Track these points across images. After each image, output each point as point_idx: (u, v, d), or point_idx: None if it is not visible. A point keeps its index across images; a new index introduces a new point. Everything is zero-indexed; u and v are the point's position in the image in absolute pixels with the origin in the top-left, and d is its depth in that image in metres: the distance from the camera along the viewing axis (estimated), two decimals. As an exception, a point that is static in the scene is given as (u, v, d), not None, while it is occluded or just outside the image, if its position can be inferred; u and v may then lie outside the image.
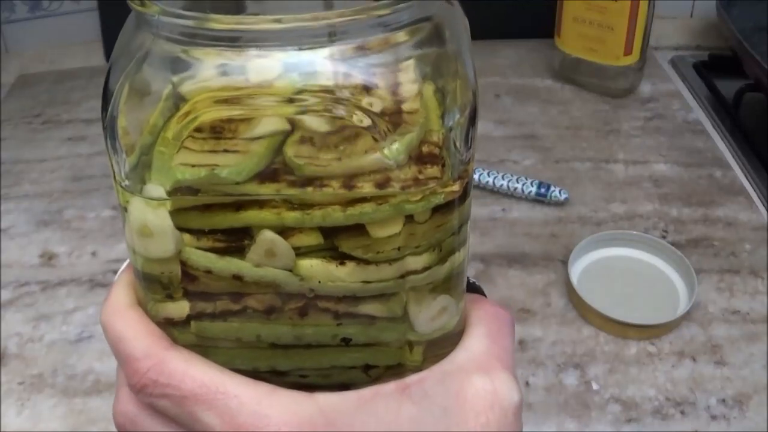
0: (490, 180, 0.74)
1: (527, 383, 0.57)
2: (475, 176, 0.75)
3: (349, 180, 0.22)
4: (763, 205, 0.74)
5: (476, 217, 0.72)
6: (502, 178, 0.74)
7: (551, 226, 0.71)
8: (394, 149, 0.21)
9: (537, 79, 0.94)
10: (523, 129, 0.85)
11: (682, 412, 0.54)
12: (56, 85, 0.95)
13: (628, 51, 0.86)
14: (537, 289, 0.64)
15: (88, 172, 0.80)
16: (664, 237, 0.69)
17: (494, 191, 0.75)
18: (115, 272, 0.68)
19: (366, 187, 0.22)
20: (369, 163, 0.21)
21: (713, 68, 0.95)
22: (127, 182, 0.23)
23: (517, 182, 0.74)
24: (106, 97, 0.23)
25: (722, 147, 0.82)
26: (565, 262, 0.65)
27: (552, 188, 0.73)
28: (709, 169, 0.78)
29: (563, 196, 0.73)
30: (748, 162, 0.79)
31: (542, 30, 0.95)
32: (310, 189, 0.22)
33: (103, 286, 0.65)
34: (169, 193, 0.22)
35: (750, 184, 0.77)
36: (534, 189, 0.73)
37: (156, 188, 0.22)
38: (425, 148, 0.22)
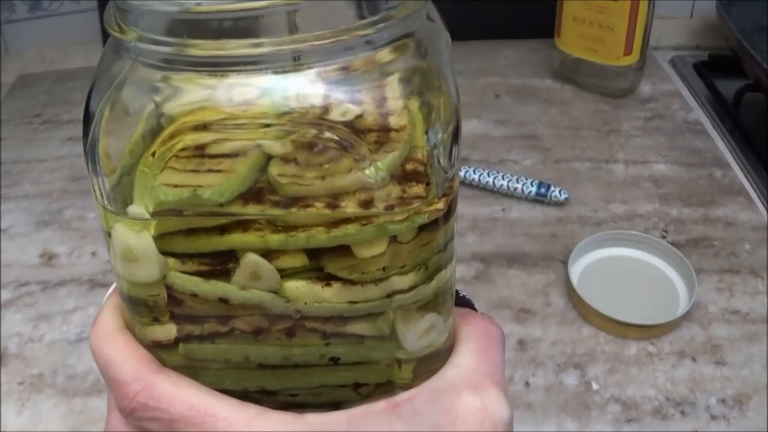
0: (490, 180, 0.74)
1: (527, 383, 0.57)
2: (475, 176, 0.75)
3: (333, 200, 0.21)
4: (763, 205, 0.74)
5: (476, 217, 0.72)
6: (502, 178, 0.74)
7: (551, 226, 0.71)
8: (375, 170, 0.21)
9: (537, 79, 0.94)
10: (523, 129, 0.85)
11: (682, 412, 0.54)
12: (56, 85, 0.95)
13: (628, 51, 0.86)
14: (537, 289, 0.64)
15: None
16: (664, 237, 0.69)
17: (494, 191, 0.75)
18: (115, 272, 0.68)
19: (350, 207, 0.21)
20: (351, 183, 0.21)
21: (713, 68, 0.95)
22: (109, 205, 0.23)
23: (517, 182, 0.74)
24: (87, 120, 0.22)
25: (722, 147, 0.82)
26: (565, 262, 0.65)
27: (552, 188, 0.73)
28: (709, 169, 0.78)
29: (563, 196, 0.73)
30: (748, 162, 0.79)
31: (542, 30, 0.95)
32: (294, 209, 0.21)
33: (103, 286, 0.65)
34: (153, 215, 0.22)
35: (750, 184, 0.77)
36: (534, 189, 0.73)
37: (138, 209, 0.22)
38: (409, 166, 0.22)
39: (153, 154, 0.21)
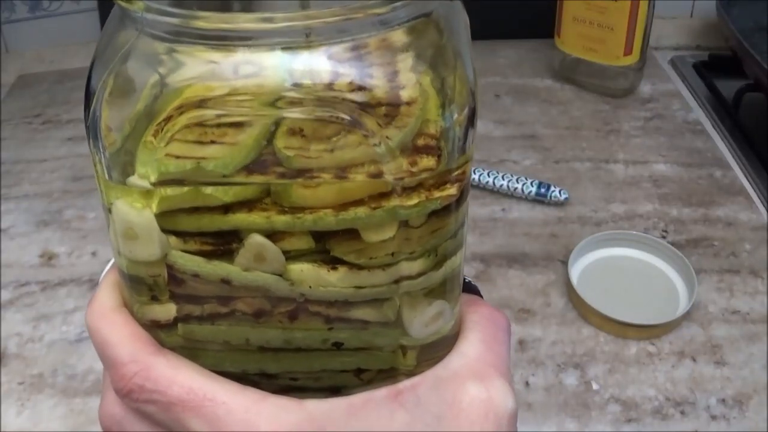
0: (490, 180, 0.74)
1: (527, 383, 0.57)
2: (475, 176, 0.75)
3: (341, 172, 0.21)
4: (763, 205, 0.74)
5: (476, 217, 0.72)
6: (502, 178, 0.74)
7: (551, 226, 0.71)
8: (384, 144, 0.20)
9: (537, 79, 0.94)
10: (523, 129, 0.85)
11: (682, 412, 0.54)
12: (56, 85, 0.95)
13: (628, 51, 0.86)
14: (537, 289, 0.64)
15: (88, 172, 0.79)
16: (664, 237, 0.69)
17: (494, 191, 0.75)
18: (115, 272, 0.68)
19: (358, 177, 0.21)
20: (360, 156, 0.20)
21: (713, 68, 0.95)
22: (110, 177, 0.22)
23: (517, 182, 0.74)
24: (88, 95, 0.22)
25: (722, 147, 0.82)
26: (565, 262, 0.65)
27: (552, 188, 0.73)
28: (709, 169, 0.78)
29: (563, 196, 0.73)
30: (748, 162, 0.79)
31: (542, 30, 0.95)
32: (300, 180, 0.21)
33: (103, 286, 0.65)
34: (154, 185, 0.21)
35: (750, 184, 0.77)
36: (534, 189, 0.73)
37: (140, 180, 0.21)
38: (421, 141, 0.21)
39: (157, 127, 0.20)
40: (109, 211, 0.23)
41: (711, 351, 0.59)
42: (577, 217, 0.72)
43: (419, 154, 0.21)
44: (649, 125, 0.85)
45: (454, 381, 0.24)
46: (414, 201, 0.21)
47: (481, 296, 0.29)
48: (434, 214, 0.22)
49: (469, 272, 0.66)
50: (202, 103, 0.20)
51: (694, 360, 0.58)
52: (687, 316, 0.61)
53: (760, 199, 0.75)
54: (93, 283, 0.66)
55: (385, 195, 0.21)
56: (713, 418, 0.54)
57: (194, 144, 0.20)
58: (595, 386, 0.56)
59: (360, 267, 0.22)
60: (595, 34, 0.86)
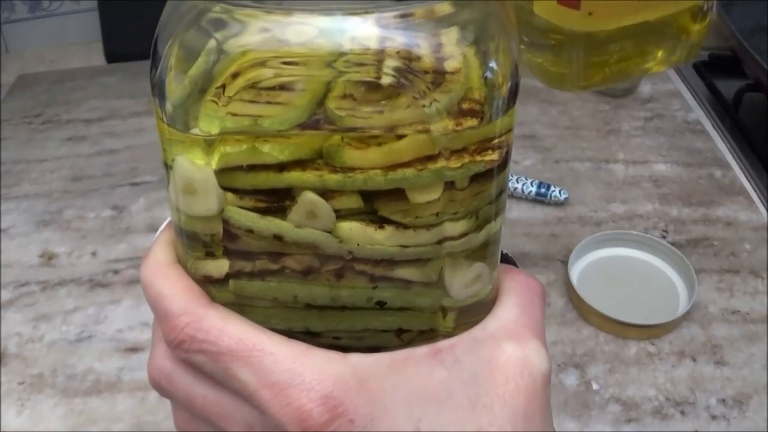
0: (490, 180, 0.74)
1: (527, 383, 0.57)
2: (475, 176, 0.75)
3: (390, 130, 0.22)
4: (763, 205, 0.74)
5: (476, 217, 0.72)
6: (502, 178, 0.74)
7: (551, 226, 0.71)
8: (434, 106, 0.22)
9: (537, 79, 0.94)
10: (523, 129, 0.85)
11: (682, 412, 0.54)
12: (56, 85, 0.95)
13: (628, 51, 0.85)
14: (537, 289, 0.64)
15: (88, 172, 0.80)
16: (664, 237, 0.69)
17: (494, 191, 0.75)
18: (116, 272, 0.68)
19: (407, 131, 0.22)
20: (409, 116, 0.22)
21: (713, 68, 0.95)
22: (173, 126, 0.23)
23: (517, 182, 0.74)
24: (155, 59, 0.23)
25: (722, 147, 0.82)
26: (565, 262, 0.65)
27: (552, 188, 0.73)
28: (709, 169, 0.78)
29: (563, 196, 0.73)
30: (748, 162, 0.80)
31: (542, 30, 0.95)
32: (351, 138, 0.22)
33: (104, 286, 0.65)
34: (214, 138, 0.23)
35: (750, 184, 0.77)
36: (534, 189, 0.73)
37: (202, 133, 0.23)
38: (466, 105, 0.22)
39: (217, 90, 0.22)
40: (170, 168, 0.24)
41: (711, 351, 0.59)
42: (577, 217, 0.72)
43: (464, 116, 0.22)
44: (649, 125, 0.85)
45: (490, 341, 0.25)
46: (458, 163, 0.23)
47: (517, 266, 0.30)
48: (477, 178, 0.24)
49: (469, 272, 0.66)
50: (257, 65, 0.21)
51: (694, 360, 0.58)
52: (687, 316, 0.61)
53: (760, 199, 0.75)
54: (93, 283, 0.66)
55: (431, 158, 0.22)
56: (713, 418, 0.54)
57: (251, 104, 0.22)
58: (595, 386, 0.56)
59: (406, 226, 0.23)
60: (595, 34, 0.86)
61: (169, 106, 0.23)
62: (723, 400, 0.55)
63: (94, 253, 0.69)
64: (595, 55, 0.41)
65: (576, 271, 0.65)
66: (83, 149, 0.83)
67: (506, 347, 0.25)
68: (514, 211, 0.73)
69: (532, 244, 0.69)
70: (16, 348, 0.60)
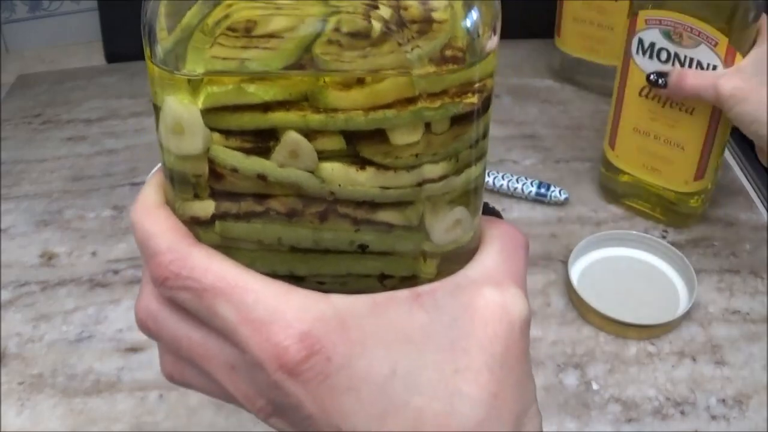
0: (490, 180, 0.74)
1: (527, 383, 0.57)
2: (475, 176, 0.75)
3: (372, 73, 0.23)
4: (763, 205, 0.74)
5: (476, 217, 0.72)
6: (502, 178, 0.74)
7: (551, 226, 0.71)
8: (416, 52, 0.22)
9: (537, 79, 0.94)
10: (523, 129, 0.85)
11: (682, 412, 0.54)
12: (56, 85, 0.95)
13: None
14: (537, 289, 0.64)
15: (88, 172, 0.80)
16: (664, 237, 0.69)
17: (494, 191, 0.75)
18: (116, 272, 0.68)
19: (387, 74, 0.23)
20: (392, 62, 0.22)
21: (713, 68, 0.95)
22: (163, 67, 0.24)
23: (517, 182, 0.74)
24: (145, 6, 0.24)
25: (722, 147, 0.82)
26: (565, 262, 0.65)
27: (552, 188, 0.73)
28: (709, 169, 0.78)
29: (563, 196, 0.73)
30: (748, 162, 0.79)
31: (542, 30, 0.95)
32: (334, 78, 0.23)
33: (104, 286, 0.65)
34: (201, 77, 0.23)
35: (750, 184, 0.77)
36: (534, 189, 0.73)
37: (190, 72, 0.23)
38: (449, 52, 0.23)
39: (205, 28, 0.22)
40: (159, 109, 0.25)
41: (711, 351, 0.59)
42: (577, 217, 0.72)
43: (446, 63, 0.23)
44: (649, 125, 0.85)
45: (471, 287, 0.25)
46: (438, 104, 0.23)
47: (502, 219, 0.30)
48: (456, 121, 0.24)
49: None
50: (250, 2, 0.22)
51: (694, 360, 0.58)
52: (687, 316, 0.61)
53: (760, 199, 0.75)
54: (93, 283, 0.66)
55: (412, 99, 0.23)
56: (713, 418, 0.54)
57: (239, 48, 0.23)
58: (595, 386, 0.56)
59: (386, 168, 0.24)
60: (595, 34, 0.86)
61: (159, 49, 0.24)
62: (723, 400, 0.55)
63: (94, 253, 0.69)
64: None
65: (576, 271, 0.65)
66: (83, 149, 0.83)
67: (486, 292, 0.25)
68: (514, 211, 0.73)
69: (532, 244, 0.68)
70: (16, 348, 0.60)
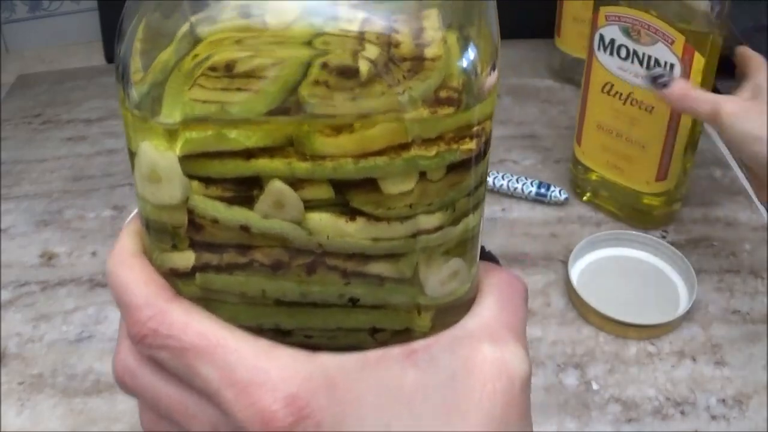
0: (490, 180, 0.74)
1: (527, 383, 0.57)
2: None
3: (362, 118, 0.21)
4: (763, 205, 0.74)
5: (476, 217, 0.72)
6: (502, 178, 0.74)
7: (551, 226, 0.71)
8: (408, 94, 0.21)
9: (537, 79, 0.94)
10: (523, 129, 0.85)
11: (682, 412, 0.54)
12: (56, 85, 0.95)
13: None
14: (537, 289, 0.64)
15: (88, 172, 0.80)
16: (664, 237, 0.69)
17: (494, 191, 0.75)
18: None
19: (380, 119, 0.21)
20: (382, 105, 0.21)
21: (713, 68, 0.95)
22: (138, 113, 0.22)
23: (517, 182, 0.74)
24: (120, 37, 0.22)
25: (722, 147, 0.82)
26: (565, 262, 0.65)
27: (552, 188, 0.73)
28: (709, 169, 0.78)
29: (563, 196, 0.73)
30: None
31: (542, 30, 0.95)
32: (322, 125, 0.21)
33: (103, 286, 0.65)
34: (179, 125, 0.22)
35: (750, 184, 0.77)
36: (534, 189, 0.73)
37: (167, 119, 0.22)
38: (443, 93, 0.21)
39: (184, 69, 0.21)
40: (134, 154, 0.23)
41: (711, 351, 0.59)
42: (577, 217, 0.72)
43: (441, 105, 0.21)
44: (649, 125, 0.85)
45: (468, 341, 0.24)
46: (433, 152, 0.22)
47: (500, 264, 0.29)
48: (453, 168, 0.22)
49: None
50: (232, 44, 0.20)
51: (694, 360, 0.58)
52: (687, 316, 0.61)
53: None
54: (93, 283, 0.66)
55: (405, 146, 0.21)
56: (713, 418, 0.54)
57: (219, 91, 0.21)
58: (595, 386, 0.56)
59: (378, 218, 0.22)
60: (595, 34, 0.86)
61: (134, 93, 0.22)
62: (723, 400, 0.55)
63: (94, 253, 0.69)
64: None
65: (576, 271, 0.65)
66: (83, 149, 0.83)
67: (484, 348, 0.24)
68: (514, 211, 0.73)
69: (532, 244, 0.69)
70: (16, 348, 0.60)
